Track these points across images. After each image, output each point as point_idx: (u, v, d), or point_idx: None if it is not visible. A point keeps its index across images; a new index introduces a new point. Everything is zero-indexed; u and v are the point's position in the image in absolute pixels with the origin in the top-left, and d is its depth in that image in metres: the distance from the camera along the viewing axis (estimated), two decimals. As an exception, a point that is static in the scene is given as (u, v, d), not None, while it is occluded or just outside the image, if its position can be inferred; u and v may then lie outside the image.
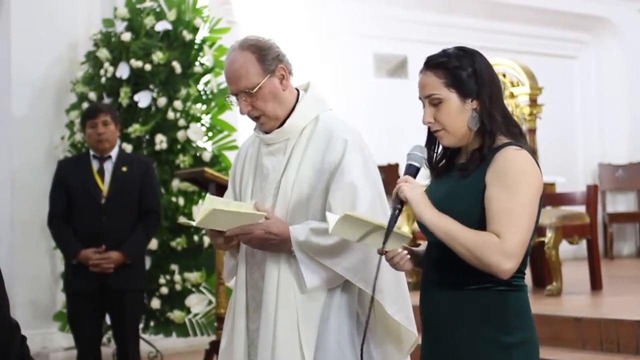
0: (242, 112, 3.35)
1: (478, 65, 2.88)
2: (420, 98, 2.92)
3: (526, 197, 2.75)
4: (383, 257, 2.89)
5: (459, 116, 2.85)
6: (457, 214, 2.76)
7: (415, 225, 7.13)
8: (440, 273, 2.88)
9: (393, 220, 2.79)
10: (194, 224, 3.28)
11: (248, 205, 3.33)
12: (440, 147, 2.98)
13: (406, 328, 3.34)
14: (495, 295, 2.79)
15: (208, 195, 3.39)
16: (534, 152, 2.89)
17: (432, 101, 2.86)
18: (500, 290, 2.80)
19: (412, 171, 2.85)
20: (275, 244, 3.24)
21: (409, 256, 2.94)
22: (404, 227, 7.87)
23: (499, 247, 2.69)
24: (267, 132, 3.41)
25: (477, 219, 2.76)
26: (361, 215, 2.90)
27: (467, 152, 2.90)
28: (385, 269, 3.15)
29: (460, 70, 2.85)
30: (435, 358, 2.92)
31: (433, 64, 2.88)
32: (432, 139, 2.97)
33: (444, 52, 2.91)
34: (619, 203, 12.30)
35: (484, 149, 2.84)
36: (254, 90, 3.28)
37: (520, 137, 2.90)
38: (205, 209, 3.17)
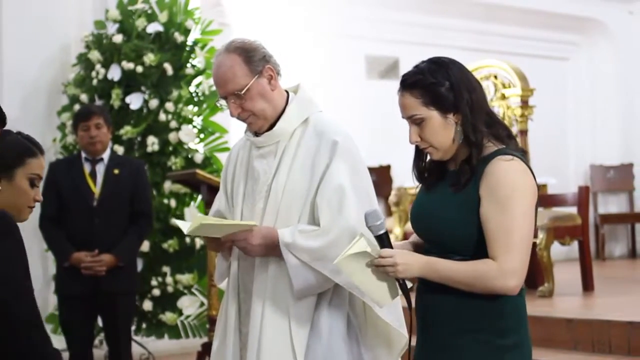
0: (232, 115, 3.35)
1: (454, 77, 2.85)
2: (403, 117, 2.92)
3: (521, 210, 2.75)
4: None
5: (444, 132, 2.85)
6: (455, 229, 2.78)
7: (408, 226, 7.14)
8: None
9: (407, 291, 2.84)
10: (185, 232, 3.29)
11: (240, 221, 3.34)
12: (429, 158, 2.98)
13: (397, 330, 3.34)
14: (491, 298, 2.79)
15: (196, 215, 3.38)
16: (524, 153, 2.89)
17: (414, 121, 2.86)
18: (498, 294, 2.80)
19: (383, 242, 2.81)
20: (265, 247, 3.23)
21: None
22: (396, 228, 7.88)
23: (497, 272, 2.71)
24: (257, 134, 3.41)
25: (475, 233, 2.77)
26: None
27: (457, 161, 2.89)
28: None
29: (437, 87, 2.83)
30: (429, 359, 2.93)
31: (409, 83, 2.87)
32: (420, 153, 2.97)
33: (418, 69, 2.89)
34: (611, 204, 12.32)
35: (472, 159, 2.83)
36: (243, 92, 3.28)
37: (509, 139, 2.89)
38: (194, 222, 3.19)
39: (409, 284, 2.86)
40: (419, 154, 2.98)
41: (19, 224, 2.86)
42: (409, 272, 2.76)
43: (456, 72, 2.87)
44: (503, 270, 2.70)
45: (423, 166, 2.99)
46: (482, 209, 2.76)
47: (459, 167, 2.86)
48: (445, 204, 2.84)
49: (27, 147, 3.01)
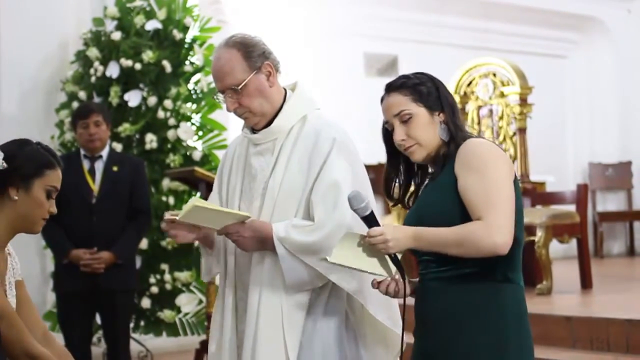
0: (228, 110, 3.34)
1: (437, 82, 3.00)
2: (385, 122, 3.00)
3: (496, 174, 2.80)
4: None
5: (430, 129, 2.94)
6: (437, 213, 2.83)
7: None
8: (435, 270, 2.88)
9: (400, 266, 2.86)
10: (177, 218, 3.27)
11: (235, 210, 3.33)
12: (402, 179, 3.06)
13: (392, 330, 3.33)
14: (491, 292, 2.81)
15: (193, 198, 3.38)
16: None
17: (402, 118, 2.94)
18: (497, 288, 2.82)
19: (370, 221, 2.86)
20: (259, 241, 3.23)
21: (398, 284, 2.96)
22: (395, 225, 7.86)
23: (484, 228, 2.72)
24: (254, 131, 3.40)
25: (457, 212, 2.81)
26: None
27: (433, 161, 2.98)
28: None
29: (422, 86, 2.96)
30: (426, 356, 2.92)
31: (395, 86, 2.99)
32: (390, 175, 3.06)
33: (402, 76, 3.03)
34: (609, 202, 12.33)
35: (448, 152, 2.92)
36: (240, 87, 3.27)
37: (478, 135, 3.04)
38: (187, 205, 3.18)
39: (399, 255, 2.89)
40: (389, 177, 3.07)
41: None
42: (400, 246, 2.81)
43: (437, 81, 3.02)
44: (488, 226, 2.72)
45: (395, 188, 3.09)
46: (460, 183, 2.82)
47: (433, 159, 2.96)
48: (429, 193, 2.94)
49: (47, 158, 3.03)
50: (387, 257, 2.85)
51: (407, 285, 2.91)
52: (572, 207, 7.57)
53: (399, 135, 2.94)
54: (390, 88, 3.00)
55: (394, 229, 2.81)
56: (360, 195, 2.87)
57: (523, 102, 7.66)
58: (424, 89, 2.96)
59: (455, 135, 2.92)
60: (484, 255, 2.74)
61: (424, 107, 2.94)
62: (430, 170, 3.03)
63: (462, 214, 2.80)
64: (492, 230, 2.72)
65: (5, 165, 2.92)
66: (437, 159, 2.94)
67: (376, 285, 2.94)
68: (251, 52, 3.31)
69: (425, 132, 2.93)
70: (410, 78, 2.99)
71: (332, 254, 2.87)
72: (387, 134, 3.03)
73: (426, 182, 3.03)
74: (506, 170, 2.84)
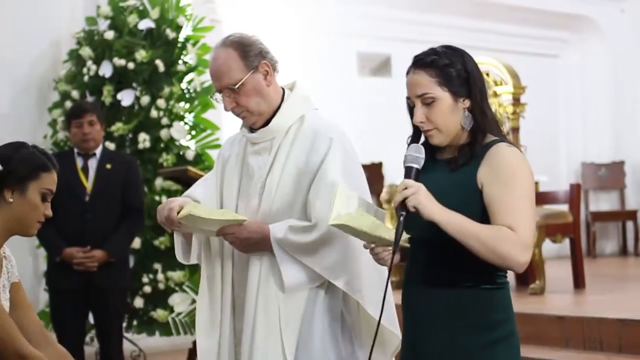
0: (226, 109, 3.34)
1: (469, 63, 2.87)
2: (408, 98, 2.88)
3: (525, 190, 2.76)
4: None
5: (452, 115, 2.83)
6: (449, 206, 2.72)
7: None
8: (425, 272, 2.87)
9: (400, 227, 2.72)
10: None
11: (229, 212, 3.33)
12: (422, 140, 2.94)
13: (389, 329, 3.33)
14: (481, 294, 2.80)
15: (189, 204, 3.33)
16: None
17: (424, 100, 2.83)
18: (486, 289, 2.80)
19: (411, 174, 2.78)
20: (256, 242, 3.23)
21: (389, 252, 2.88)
22: (388, 224, 7.86)
23: (516, 240, 2.68)
24: (252, 130, 3.40)
25: (469, 215, 2.73)
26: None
27: (453, 148, 2.88)
28: (367, 269, 3.15)
29: (452, 68, 2.83)
30: (416, 357, 2.92)
31: (423, 62, 2.84)
32: (416, 138, 2.93)
33: (433, 50, 2.88)
34: (602, 202, 12.34)
35: (475, 145, 2.82)
36: (237, 86, 3.28)
37: (501, 133, 2.91)
38: (183, 212, 3.18)
39: (405, 237, 2.77)
40: (415, 139, 2.92)
41: None
42: (431, 206, 2.68)
43: (470, 61, 2.89)
44: (520, 240, 2.68)
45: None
46: (487, 190, 2.75)
47: (458, 151, 2.85)
48: (441, 186, 2.80)
49: (42, 161, 3.03)
50: (399, 219, 2.72)
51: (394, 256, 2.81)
52: (565, 207, 7.58)
53: (418, 116, 2.83)
54: (418, 63, 2.85)
55: (428, 194, 2.71)
56: (421, 149, 2.80)
57: (516, 101, 7.66)
58: (453, 72, 2.81)
59: (482, 125, 2.83)
60: (499, 265, 2.72)
61: (449, 92, 2.81)
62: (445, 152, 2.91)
63: (473, 217, 2.73)
64: (523, 248, 2.69)
65: (0, 167, 2.92)
66: (462, 148, 2.84)
67: (370, 247, 2.87)
68: (248, 52, 3.31)
69: (446, 118, 2.82)
70: (441, 56, 2.83)
71: (332, 217, 2.80)
72: (411, 108, 2.91)
73: (438, 162, 2.91)
74: (533, 186, 2.80)
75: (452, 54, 2.87)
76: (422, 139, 2.92)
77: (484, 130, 2.84)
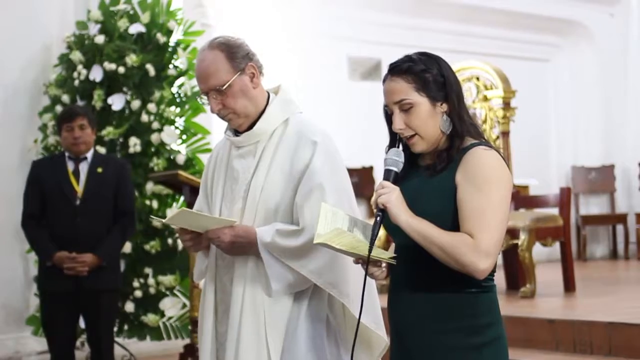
0: (212, 111, 3.34)
1: (444, 69, 2.87)
2: (386, 105, 2.89)
3: (497, 195, 2.75)
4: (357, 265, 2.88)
5: (431, 120, 2.83)
6: (429, 215, 2.75)
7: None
8: (410, 276, 2.86)
9: (376, 227, 2.75)
10: (164, 220, 3.31)
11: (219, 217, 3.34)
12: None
13: (376, 333, 3.34)
14: (466, 297, 2.80)
15: (182, 209, 3.36)
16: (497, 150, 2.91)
17: (402, 107, 2.84)
18: (472, 293, 2.80)
19: (389, 176, 2.82)
20: (242, 246, 3.23)
21: (384, 269, 2.91)
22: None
23: (474, 247, 2.68)
24: (237, 134, 3.41)
25: (449, 220, 2.75)
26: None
27: (432, 154, 2.89)
28: (354, 273, 3.15)
29: (428, 74, 2.83)
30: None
31: (400, 69, 2.85)
32: (393, 146, 2.93)
33: (409, 57, 2.88)
34: (592, 205, 12.37)
35: (452, 150, 2.83)
36: (224, 88, 3.27)
37: (483, 137, 2.91)
38: (175, 211, 3.21)
39: (390, 254, 2.83)
40: (393, 145, 2.93)
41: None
42: (398, 208, 2.72)
43: (446, 66, 2.89)
44: (478, 247, 2.68)
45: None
46: (459, 193, 2.76)
47: (437, 156, 2.86)
48: (420, 191, 2.82)
49: None
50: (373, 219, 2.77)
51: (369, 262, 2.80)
52: (555, 211, 7.61)
53: (398, 123, 2.84)
54: (394, 70, 2.86)
55: (400, 197, 2.74)
56: (400, 153, 2.84)
57: (506, 105, 7.69)
58: (429, 77, 2.82)
59: (460, 129, 2.84)
60: (459, 270, 2.72)
61: (427, 97, 2.82)
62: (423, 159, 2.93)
63: (454, 222, 2.75)
64: (480, 254, 2.68)
65: None
66: (440, 154, 2.85)
67: (358, 262, 2.86)
68: (235, 54, 3.31)
69: (425, 123, 2.82)
70: (416, 62, 2.83)
71: (316, 235, 2.80)
72: (388, 116, 2.91)
73: (418, 169, 2.92)
74: (508, 191, 2.79)
75: (427, 59, 2.87)
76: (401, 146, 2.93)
77: (461, 134, 2.84)
